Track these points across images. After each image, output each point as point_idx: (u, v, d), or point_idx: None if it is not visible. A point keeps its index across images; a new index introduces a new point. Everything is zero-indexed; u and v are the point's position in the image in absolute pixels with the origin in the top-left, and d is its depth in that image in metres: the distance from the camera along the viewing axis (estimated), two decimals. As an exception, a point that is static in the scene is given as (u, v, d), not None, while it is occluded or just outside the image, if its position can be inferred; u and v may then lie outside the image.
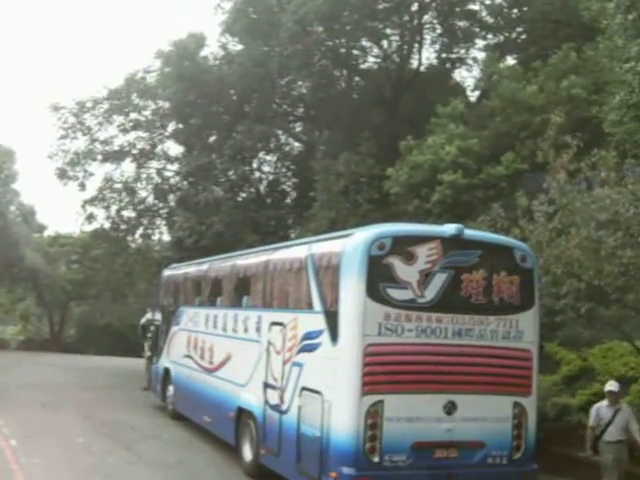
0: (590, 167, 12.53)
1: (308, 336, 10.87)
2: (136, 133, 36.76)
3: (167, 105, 31.51)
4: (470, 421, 10.04)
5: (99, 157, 36.58)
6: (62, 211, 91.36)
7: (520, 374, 10.49)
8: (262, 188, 31.17)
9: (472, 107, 22.64)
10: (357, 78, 28.03)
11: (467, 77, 30.06)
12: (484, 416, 10.14)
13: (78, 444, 15.24)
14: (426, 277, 10.01)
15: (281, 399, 11.58)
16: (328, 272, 10.63)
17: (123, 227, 38.32)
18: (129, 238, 41.73)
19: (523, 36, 27.26)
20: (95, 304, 56.14)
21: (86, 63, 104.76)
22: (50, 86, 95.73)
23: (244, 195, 29.25)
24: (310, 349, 10.78)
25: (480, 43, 28.56)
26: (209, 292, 16.66)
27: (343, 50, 27.13)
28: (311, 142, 31.17)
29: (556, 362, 16.82)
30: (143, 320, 23.45)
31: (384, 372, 9.74)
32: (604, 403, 11.29)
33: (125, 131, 36.61)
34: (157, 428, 17.50)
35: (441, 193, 18.50)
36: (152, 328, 21.64)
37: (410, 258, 9.96)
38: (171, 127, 33.72)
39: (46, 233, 54.59)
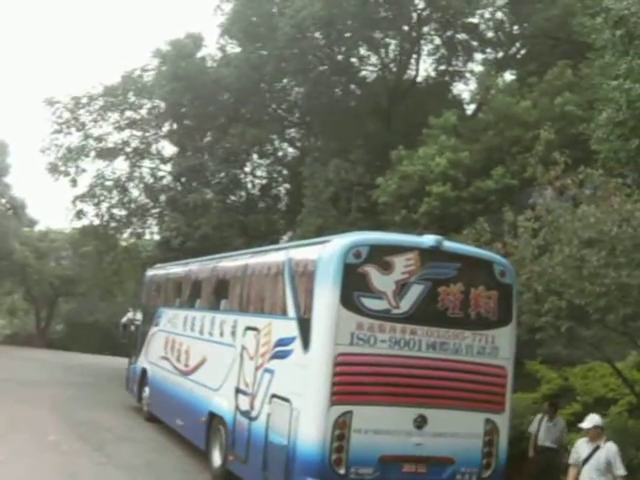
0: (577, 184, 12.36)
1: (281, 342, 10.68)
2: (130, 131, 36.72)
3: (163, 104, 31.28)
4: (440, 436, 9.84)
5: (92, 154, 36.46)
6: (53, 206, 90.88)
7: (494, 391, 10.30)
8: (254, 192, 31.00)
9: (466, 120, 22.51)
10: (353, 86, 27.86)
11: (464, 90, 29.85)
12: (455, 432, 9.94)
13: (48, 442, 14.99)
14: (402, 288, 9.83)
15: (251, 405, 11.37)
16: (304, 278, 10.45)
17: (113, 225, 38.23)
18: (118, 236, 41.70)
19: (522, 51, 27.22)
20: (83, 301, 55.82)
21: (83, 59, 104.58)
22: (46, 80, 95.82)
23: (234, 198, 29.03)
24: (282, 356, 10.58)
25: (479, 57, 28.60)
26: (188, 294, 16.45)
27: (340, 57, 27.00)
28: (305, 148, 31.03)
29: (537, 380, 16.63)
30: (124, 319, 23.22)
31: (354, 382, 9.55)
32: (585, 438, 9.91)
33: (120, 129, 36.48)
34: (131, 429, 17.26)
35: (429, 204, 18.33)
36: (132, 328, 21.40)
37: (387, 268, 9.78)
38: (166, 127, 33.57)
39: (37, 228, 54.38)
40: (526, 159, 15.04)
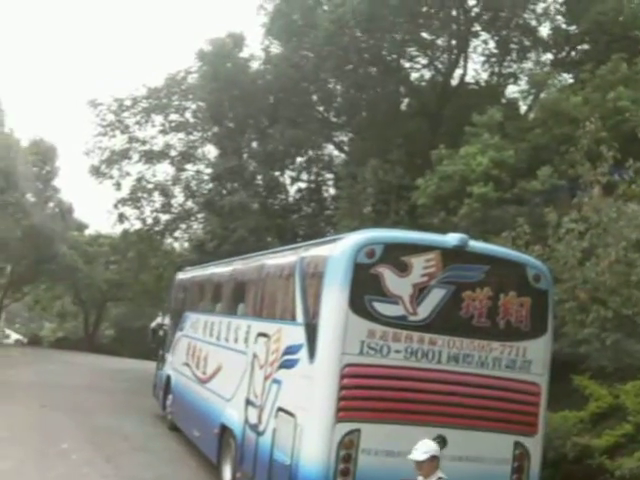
0: (626, 182, 11.15)
1: (289, 350, 9.69)
2: (175, 135, 36.35)
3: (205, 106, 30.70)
4: (462, 461, 8.67)
5: (136, 157, 36.16)
6: (100, 210, 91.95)
7: (524, 410, 9.13)
8: (295, 196, 30.10)
9: (513, 119, 21.21)
10: (397, 86, 26.72)
11: (514, 91, 28.45)
12: (479, 456, 8.80)
13: (59, 450, 14.31)
14: (421, 292, 8.75)
15: (259, 419, 10.40)
16: (314, 280, 9.45)
17: (157, 229, 37.85)
18: (163, 240, 41.38)
19: (578, 49, 25.79)
20: (131, 306, 55.79)
21: (128, 60, 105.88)
22: (91, 83, 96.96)
23: (272, 200, 28.13)
24: (289, 365, 9.59)
25: (533, 57, 27.24)
26: (209, 298, 15.66)
27: (384, 54, 25.90)
28: (352, 151, 30.02)
29: (585, 397, 15.28)
30: (153, 324, 22.57)
31: (363, 397, 8.51)
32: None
33: (165, 132, 36.16)
34: (150, 439, 16.44)
35: (469, 206, 17.12)
36: (161, 333, 20.69)
37: (403, 269, 8.71)
38: (210, 129, 32.98)
39: (87, 232, 54.54)
40: (573, 156, 13.85)
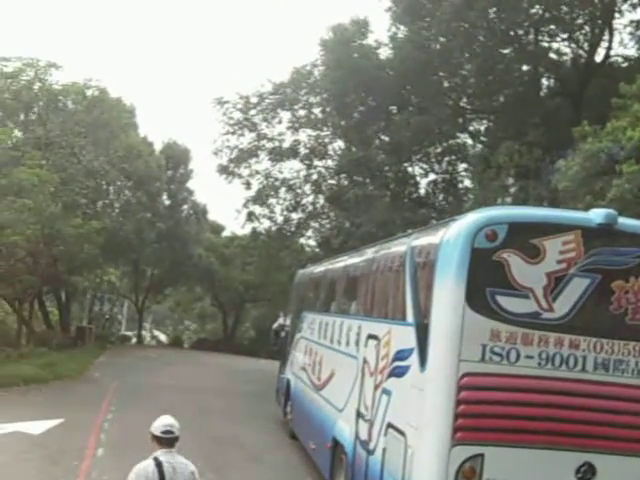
0: None
1: (399, 356, 8.17)
2: (304, 131, 35.52)
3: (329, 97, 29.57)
4: (616, 494, 6.89)
5: (265, 155, 35.62)
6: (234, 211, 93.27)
7: (698, 432, 7.16)
8: (426, 188, 28.38)
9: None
10: (532, 62, 24.45)
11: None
12: (638, 488, 6.96)
13: (168, 460, 13.37)
14: (557, 282, 7.01)
15: (369, 435, 8.94)
16: (425, 271, 7.91)
17: (288, 228, 37.16)
18: (297, 240, 40.67)
19: None
20: (268, 307, 55.62)
21: (252, 55, 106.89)
22: (217, 81, 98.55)
23: (401, 194, 26.54)
24: (399, 373, 8.07)
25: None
26: (324, 296, 14.35)
27: (519, 31, 23.77)
28: (490, 142, 27.99)
29: None
30: (275, 325, 21.58)
31: (486, 414, 6.86)
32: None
33: (293, 129, 35.40)
34: (267, 449, 15.31)
35: (619, 187, 14.93)
36: (282, 334, 19.62)
37: (534, 254, 7.01)
38: (336, 123, 31.84)
39: (223, 234, 54.84)
40: None
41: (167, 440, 6.25)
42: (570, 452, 6.89)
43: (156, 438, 6.27)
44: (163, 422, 6.35)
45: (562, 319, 7.01)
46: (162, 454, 6.23)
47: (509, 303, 6.96)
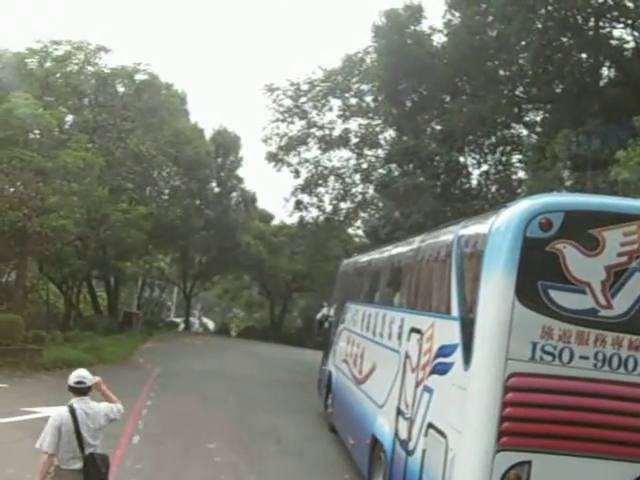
0: None
1: (442, 352, 7.66)
2: (355, 120, 34.99)
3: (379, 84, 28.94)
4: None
5: (315, 143, 35.21)
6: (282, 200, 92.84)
7: None
8: (482, 179, 27.56)
9: None
10: (593, 50, 23.48)
11: None
12: None
13: (204, 450, 13.17)
14: (617, 277, 6.43)
15: (409, 434, 8.45)
16: (472, 262, 7.37)
17: (337, 218, 36.72)
18: (346, 230, 40.22)
19: None
20: (316, 297, 55.29)
21: (303, 42, 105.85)
22: (268, 67, 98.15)
23: (452, 184, 25.80)
24: (442, 371, 7.57)
25: None
26: (368, 287, 13.86)
27: (580, 19, 22.78)
28: (546, 132, 27.03)
29: None
30: (319, 315, 21.12)
31: (535, 419, 6.32)
32: None
33: (344, 117, 34.88)
34: (306, 442, 14.90)
35: (685, 179, 14.13)
36: (326, 325, 19.18)
37: (592, 246, 6.43)
38: (388, 111, 31.21)
39: (273, 223, 54.61)
40: None
41: (79, 390, 7.09)
42: (626, 463, 6.31)
43: (71, 388, 7.12)
44: (76, 374, 7.16)
45: (621, 317, 6.42)
46: (76, 402, 7.07)
47: (563, 298, 6.40)
